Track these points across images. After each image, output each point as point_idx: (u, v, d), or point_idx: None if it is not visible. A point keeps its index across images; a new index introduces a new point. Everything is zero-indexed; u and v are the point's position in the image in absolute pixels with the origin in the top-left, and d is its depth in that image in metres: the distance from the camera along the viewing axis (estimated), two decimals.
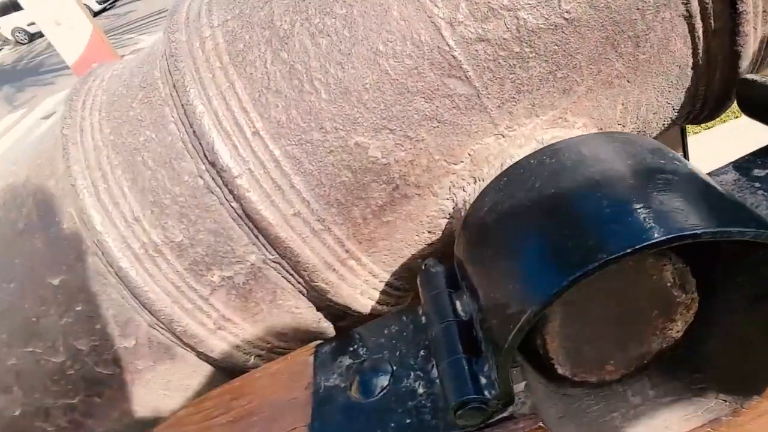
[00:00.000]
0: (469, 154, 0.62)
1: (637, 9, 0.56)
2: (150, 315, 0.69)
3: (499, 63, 0.57)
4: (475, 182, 0.62)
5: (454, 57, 0.57)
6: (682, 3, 0.56)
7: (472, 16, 0.56)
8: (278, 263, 0.67)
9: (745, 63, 0.60)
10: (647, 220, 0.36)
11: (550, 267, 0.38)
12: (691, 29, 0.57)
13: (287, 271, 0.67)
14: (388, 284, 0.73)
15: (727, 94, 0.65)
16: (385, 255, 0.70)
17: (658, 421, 0.49)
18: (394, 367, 0.53)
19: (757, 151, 0.56)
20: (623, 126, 0.65)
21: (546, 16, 0.56)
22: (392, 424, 0.47)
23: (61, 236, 0.70)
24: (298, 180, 0.63)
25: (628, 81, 0.60)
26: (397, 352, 0.55)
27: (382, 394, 0.51)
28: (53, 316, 0.72)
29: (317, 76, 0.60)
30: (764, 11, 0.58)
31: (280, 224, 0.63)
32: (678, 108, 0.67)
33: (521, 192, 0.47)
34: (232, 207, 0.64)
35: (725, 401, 0.46)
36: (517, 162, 0.51)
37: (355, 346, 0.58)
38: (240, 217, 0.64)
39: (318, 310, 0.74)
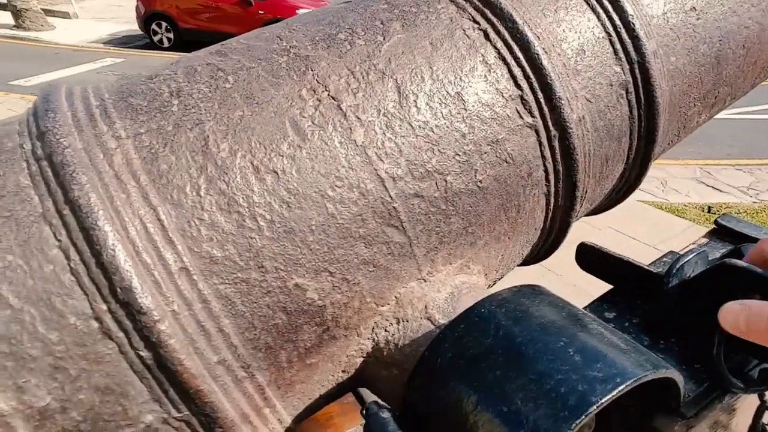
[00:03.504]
0: (396, 297, 0.66)
1: (522, 186, 0.72)
2: None
3: (429, 217, 0.65)
4: (398, 323, 0.66)
5: (394, 208, 0.63)
6: (545, 185, 0.75)
7: (411, 175, 0.64)
8: (184, 421, 0.56)
9: (570, 229, 0.83)
10: (614, 366, 0.47)
11: (551, 413, 0.45)
12: (548, 204, 0.77)
13: (192, 430, 0.57)
14: (288, 428, 0.68)
15: (555, 247, 0.87)
16: (297, 399, 0.66)
17: None
18: None
19: (602, 297, 0.76)
20: (497, 271, 0.79)
21: (466, 183, 0.67)
22: None
23: None
24: (227, 323, 0.56)
25: (508, 238, 0.75)
26: None
27: None
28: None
29: (260, 212, 0.58)
30: (586, 198, 0.82)
31: (202, 375, 0.54)
32: (525, 256, 0.86)
33: (486, 339, 0.53)
34: (140, 356, 0.52)
35: None
36: (468, 311, 0.58)
37: None
38: (147, 368, 0.53)
39: None
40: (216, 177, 0.58)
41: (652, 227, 4.05)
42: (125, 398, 0.53)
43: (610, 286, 0.81)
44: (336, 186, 0.61)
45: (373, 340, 0.66)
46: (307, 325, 0.61)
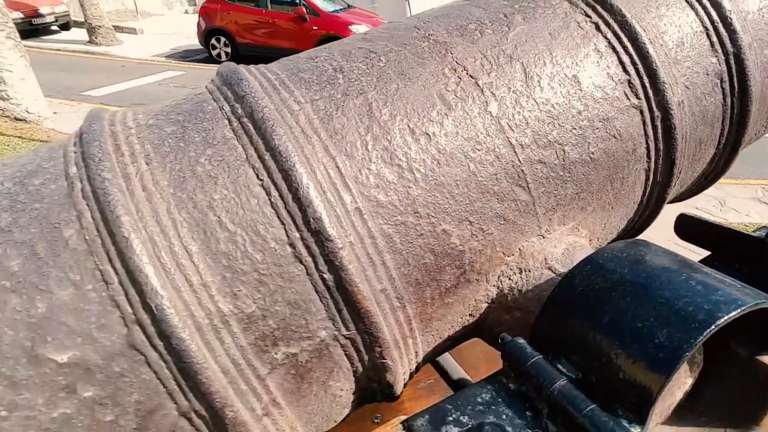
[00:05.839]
0: (519, 249, 0.76)
1: (627, 160, 0.81)
2: (194, 400, 0.60)
3: (549, 181, 0.75)
4: (520, 272, 0.76)
5: (522, 171, 0.73)
6: (647, 161, 0.84)
7: (536, 143, 0.74)
8: (350, 339, 0.67)
9: (665, 204, 0.91)
10: (732, 294, 0.55)
11: (682, 326, 0.54)
12: (647, 179, 0.85)
13: (355, 348, 0.68)
14: (418, 364, 0.78)
15: (648, 223, 0.95)
16: (431, 336, 0.76)
17: None
18: (509, 429, 0.59)
19: (700, 262, 0.84)
20: (599, 239, 0.88)
21: (580, 153, 0.77)
22: None
23: (80, 300, 0.58)
24: (389, 258, 0.67)
25: (612, 208, 0.84)
26: (503, 416, 0.61)
27: None
28: (39, 408, 0.56)
29: (416, 167, 0.69)
30: (679, 179, 0.90)
31: (370, 299, 0.65)
32: (621, 230, 0.94)
33: (613, 275, 0.62)
34: (323, 278, 0.64)
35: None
36: (590, 256, 0.67)
37: (455, 416, 0.62)
38: (327, 288, 0.64)
39: (355, 392, 0.73)
40: (380, 135, 0.70)
41: None
42: (308, 313, 0.65)
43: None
44: (476, 149, 0.72)
45: (498, 287, 0.76)
46: (449, 266, 0.71)
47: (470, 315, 0.78)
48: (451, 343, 0.80)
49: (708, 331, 0.52)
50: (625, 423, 0.53)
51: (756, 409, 0.64)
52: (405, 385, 0.77)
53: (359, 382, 0.72)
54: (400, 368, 0.72)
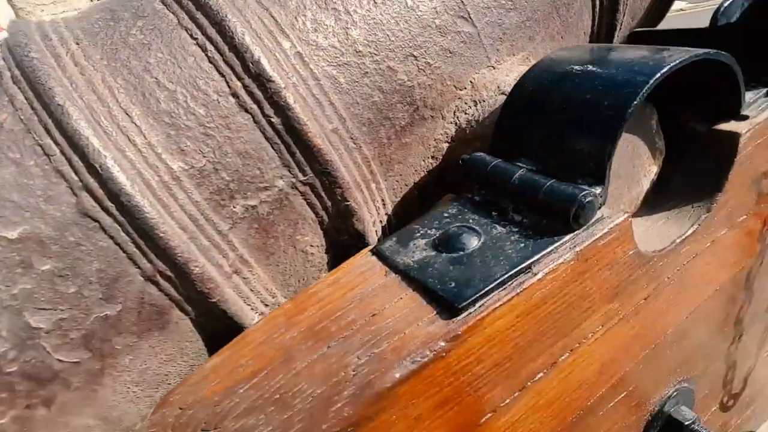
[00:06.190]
0: (471, 82, 0.75)
1: None
2: (156, 260, 0.60)
3: (492, 11, 0.74)
4: (475, 105, 0.75)
5: (462, 2, 0.72)
6: None
7: None
8: (309, 185, 0.67)
9: (617, 33, 0.90)
10: (679, 52, 0.55)
11: (630, 80, 0.53)
12: (593, 6, 0.85)
13: (316, 194, 0.67)
14: (388, 216, 0.78)
15: None
16: (396, 181, 0.76)
17: (661, 234, 0.65)
18: (476, 227, 0.59)
19: None
20: None
21: None
22: (521, 244, 0.53)
23: (23, 176, 0.58)
24: (336, 98, 0.67)
25: (561, 37, 0.83)
26: (469, 220, 0.61)
27: (482, 241, 0.56)
28: None
29: (353, 10, 0.68)
30: (628, 6, 0.89)
31: (321, 136, 0.65)
32: None
33: (563, 68, 0.62)
34: (271, 122, 0.63)
35: (699, 206, 0.65)
36: (538, 62, 0.67)
37: (422, 231, 0.62)
38: (277, 133, 0.64)
39: (327, 250, 0.73)
40: None
41: None
42: (261, 162, 0.64)
43: None
44: None
45: (456, 123, 0.76)
46: (400, 104, 0.71)
47: (432, 157, 0.77)
48: (419, 194, 0.80)
49: (653, 79, 0.52)
50: (584, 186, 0.53)
51: (718, 176, 0.65)
52: (378, 240, 0.77)
53: (328, 236, 0.72)
54: (368, 215, 0.72)
